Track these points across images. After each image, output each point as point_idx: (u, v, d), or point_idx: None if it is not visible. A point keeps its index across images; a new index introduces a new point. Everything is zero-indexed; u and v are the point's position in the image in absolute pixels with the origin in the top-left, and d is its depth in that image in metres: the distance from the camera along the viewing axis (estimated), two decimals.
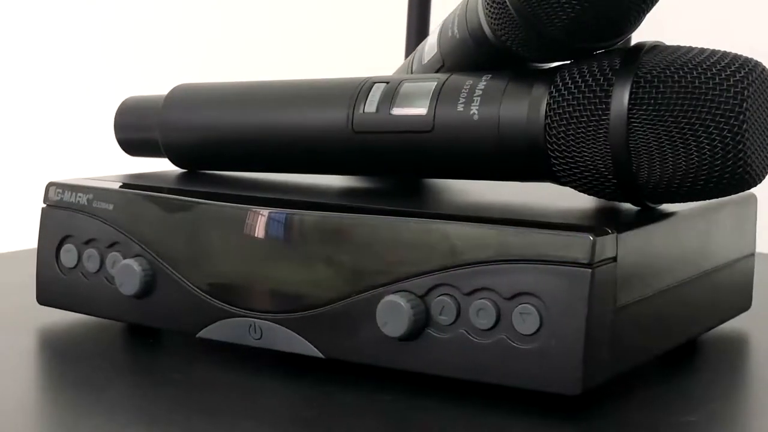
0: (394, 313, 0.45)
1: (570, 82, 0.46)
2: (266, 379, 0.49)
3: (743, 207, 0.56)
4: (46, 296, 0.56)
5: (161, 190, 0.53)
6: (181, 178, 0.58)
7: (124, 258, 0.53)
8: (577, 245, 0.43)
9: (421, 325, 0.45)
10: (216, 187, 0.53)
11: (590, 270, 0.42)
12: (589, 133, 0.46)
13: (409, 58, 0.61)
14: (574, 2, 0.45)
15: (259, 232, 0.49)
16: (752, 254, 0.57)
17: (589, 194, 0.48)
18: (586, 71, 0.46)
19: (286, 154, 0.55)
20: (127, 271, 0.52)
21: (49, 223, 0.56)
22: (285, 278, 0.48)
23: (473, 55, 0.53)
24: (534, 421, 0.44)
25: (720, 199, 0.49)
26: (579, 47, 0.47)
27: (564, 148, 0.46)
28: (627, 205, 0.48)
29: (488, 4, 0.49)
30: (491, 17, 0.49)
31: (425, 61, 0.57)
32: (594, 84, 0.46)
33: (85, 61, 1.29)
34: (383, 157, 0.52)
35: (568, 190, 0.48)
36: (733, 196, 0.47)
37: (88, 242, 0.54)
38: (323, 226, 0.48)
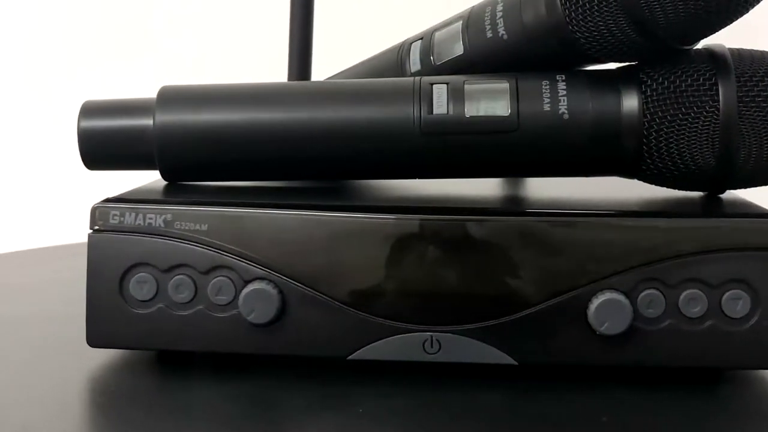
0: (614, 311, 0.46)
1: (666, 82, 0.50)
2: (443, 396, 0.47)
3: None
4: (105, 337, 0.48)
5: (287, 206, 0.48)
6: (263, 189, 0.52)
7: (239, 284, 0.47)
8: None
9: (631, 320, 0.47)
10: (339, 199, 0.49)
11: None
12: (693, 130, 0.49)
13: (384, 57, 0.60)
14: (700, 2, 0.48)
15: (440, 242, 0.47)
16: None
17: (667, 186, 0.51)
18: (680, 72, 0.50)
19: (338, 159, 0.52)
20: (260, 297, 0.47)
21: (103, 251, 0.48)
22: (471, 288, 0.47)
23: (521, 56, 0.54)
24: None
25: None
26: (660, 48, 0.51)
27: (663, 143, 0.50)
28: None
29: (578, 4, 0.50)
30: (576, 18, 0.50)
31: (438, 63, 0.56)
32: (694, 84, 0.50)
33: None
34: (459, 159, 0.52)
35: (632, 182, 0.52)
36: None
37: (169, 270, 0.48)
38: (516, 232, 0.47)
